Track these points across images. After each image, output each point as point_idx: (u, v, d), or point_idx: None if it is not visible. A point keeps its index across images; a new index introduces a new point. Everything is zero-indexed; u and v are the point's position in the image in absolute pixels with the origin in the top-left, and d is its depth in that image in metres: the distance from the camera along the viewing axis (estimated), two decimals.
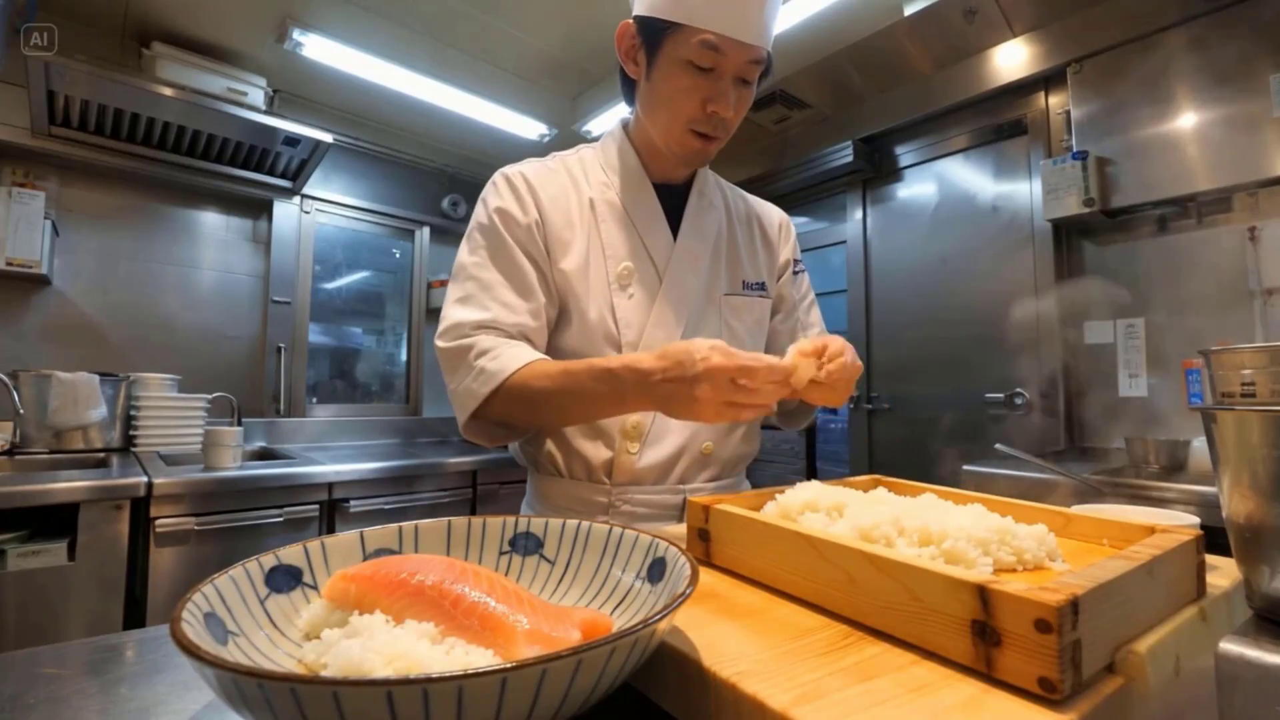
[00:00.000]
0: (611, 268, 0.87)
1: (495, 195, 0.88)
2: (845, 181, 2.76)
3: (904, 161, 2.59)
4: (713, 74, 0.79)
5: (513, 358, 0.77)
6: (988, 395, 2.24)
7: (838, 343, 0.73)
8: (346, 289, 2.94)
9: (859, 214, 2.74)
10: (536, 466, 0.94)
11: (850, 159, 2.53)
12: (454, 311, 0.83)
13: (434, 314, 3.09)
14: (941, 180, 2.48)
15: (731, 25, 0.76)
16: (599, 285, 0.87)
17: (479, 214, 0.88)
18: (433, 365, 3.07)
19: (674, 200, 0.93)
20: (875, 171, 2.66)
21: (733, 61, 0.79)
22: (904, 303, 2.57)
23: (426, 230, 3.09)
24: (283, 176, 2.53)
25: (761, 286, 0.99)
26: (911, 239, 2.56)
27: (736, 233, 0.99)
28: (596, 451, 0.87)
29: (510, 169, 0.90)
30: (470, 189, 3.18)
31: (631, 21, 0.84)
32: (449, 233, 3.16)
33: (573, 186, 0.91)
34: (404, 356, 3.07)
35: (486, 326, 0.81)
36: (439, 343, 0.82)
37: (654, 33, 0.80)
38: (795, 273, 1.05)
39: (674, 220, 0.92)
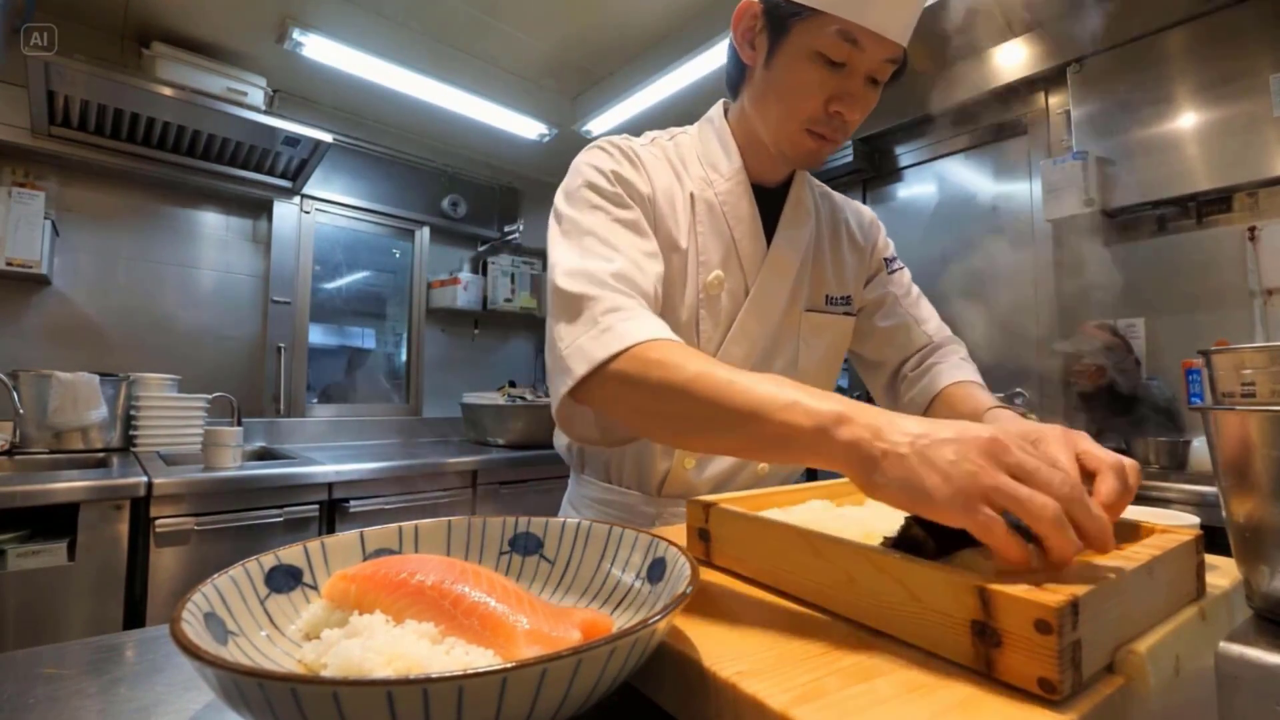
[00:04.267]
0: (702, 275, 0.79)
1: (609, 159, 0.77)
2: (845, 181, 2.75)
3: (904, 161, 2.58)
4: (844, 70, 0.70)
5: (650, 327, 0.60)
6: None
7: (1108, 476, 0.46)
8: (346, 289, 2.94)
9: None
10: (581, 468, 0.88)
11: (850, 159, 2.53)
12: (576, 259, 0.68)
13: (434, 314, 3.09)
14: (941, 180, 2.47)
15: (875, 17, 0.67)
16: (690, 292, 0.79)
17: (586, 174, 0.75)
18: (432, 365, 3.07)
19: (768, 203, 0.84)
20: (875, 171, 2.65)
21: (869, 58, 0.69)
22: None
23: (426, 230, 3.09)
24: (282, 176, 2.53)
25: (846, 300, 0.91)
26: (911, 239, 2.56)
27: (824, 241, 0.90)
28: (652, 463, 0.80)
29: (617, 138, 0.80)
30: (470, 189, 3.17)
31: (756, 0, 0.74)
32: (449, 233, 3.16)
33: (676, 179, 0.81)
34: (404, 356, 3.06)
35: (621, 279, 0.66)
36: (561, 282, 0.66)
37: (782, 17, 0.71)
38: (891, 271, 0.98)
39: (767, 225, 0.83)
